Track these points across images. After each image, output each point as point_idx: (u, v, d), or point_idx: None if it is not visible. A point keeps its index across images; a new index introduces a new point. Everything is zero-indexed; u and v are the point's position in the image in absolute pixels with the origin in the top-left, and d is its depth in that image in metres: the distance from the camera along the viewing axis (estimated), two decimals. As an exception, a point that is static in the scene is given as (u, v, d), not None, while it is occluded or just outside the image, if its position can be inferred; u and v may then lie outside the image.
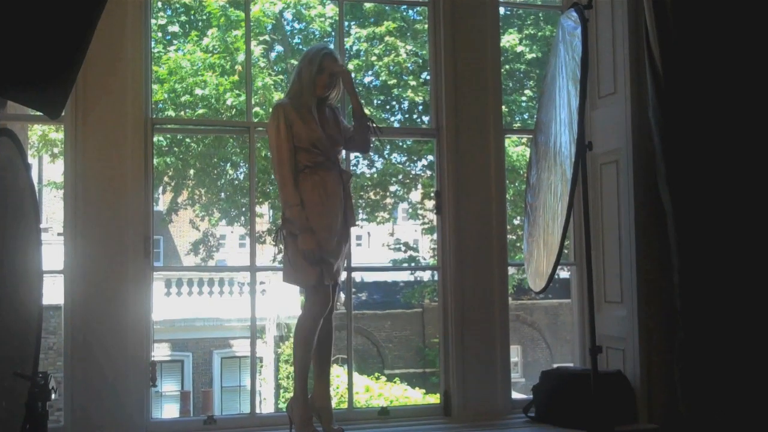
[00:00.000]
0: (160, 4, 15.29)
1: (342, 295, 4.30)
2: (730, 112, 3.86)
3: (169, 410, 17.42)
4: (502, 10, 4.86)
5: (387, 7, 16.15)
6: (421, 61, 15.93)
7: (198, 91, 14.46)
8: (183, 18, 15.86)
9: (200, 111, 14.49)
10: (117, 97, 3.90)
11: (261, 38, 15.22)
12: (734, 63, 3.88)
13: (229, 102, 14.41)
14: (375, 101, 16.59)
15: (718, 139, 3.86)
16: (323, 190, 3.72)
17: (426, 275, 20.44)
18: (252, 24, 14.36)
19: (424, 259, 20.34)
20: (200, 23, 15.79)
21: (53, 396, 2.87)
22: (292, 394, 3.82)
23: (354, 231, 4.06)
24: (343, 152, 4.07)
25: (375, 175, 17.58)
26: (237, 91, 14.53)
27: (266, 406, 16.97)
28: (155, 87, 14.12)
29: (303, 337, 3.72)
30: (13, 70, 2.62)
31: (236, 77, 14.65)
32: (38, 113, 3.39)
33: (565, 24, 3.93)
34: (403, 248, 19.36)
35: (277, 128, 3.71)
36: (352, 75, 3.99)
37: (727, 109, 3.87)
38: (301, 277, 3.73)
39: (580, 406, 3.85)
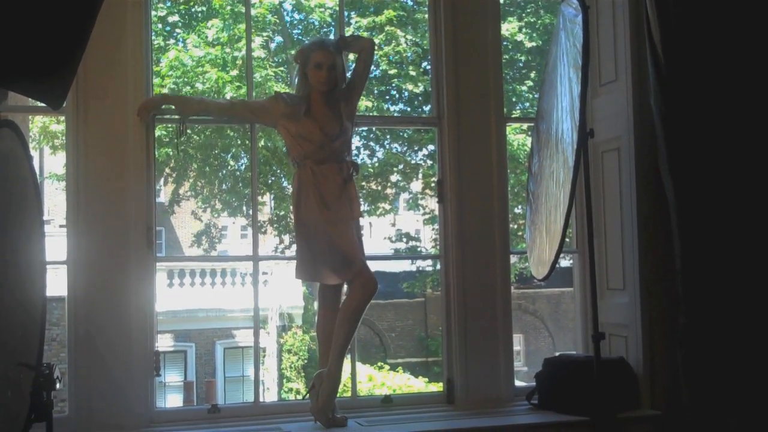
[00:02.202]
0: (159, -5, 15.28)
1: (345, 286, 4.30)
2: (732, 99, 3.86)
3: (173, 400, 17.46)
4: (502, -2, 4.84)
5: (387, -3, 16.13)
6: (421, 50, 15.89)
7: (198, 85, 14.45)
8: (182, 8, 15.84)
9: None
10: (118, 87, 3.89)
11: (264, 34, 15.20)
12: (736, 49, 3.87)
13: (229, 96, 14.40)
14: (375, 91, 16.56)
15: (719, 125, 3.86)
16: (312, 185, 3.79)
17: (428, 265, 20.45)
18: (255, 20, 14.34)
19: (426, 249, 20.34)
20: (200, 14, 15.76)
21: (58, 386, 2.88)
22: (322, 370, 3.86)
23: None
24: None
25: (376, 165, 17.58)
26: (237, 84, 14.51)
27: (269, 395, 17.01)
28: (156, 81, 14.11)
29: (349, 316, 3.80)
30: (15, 61, 2.62)
31: (236, 71, 14.62)
32: (40, 104, 3.39)
33: (565, 11, 3.93)
34: (404, 239, 19.36)
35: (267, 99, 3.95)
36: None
37: (729, 96, 3.86)
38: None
39: (583, 393, 3.86)
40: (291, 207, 3.97)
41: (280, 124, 3.88)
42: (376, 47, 4.14)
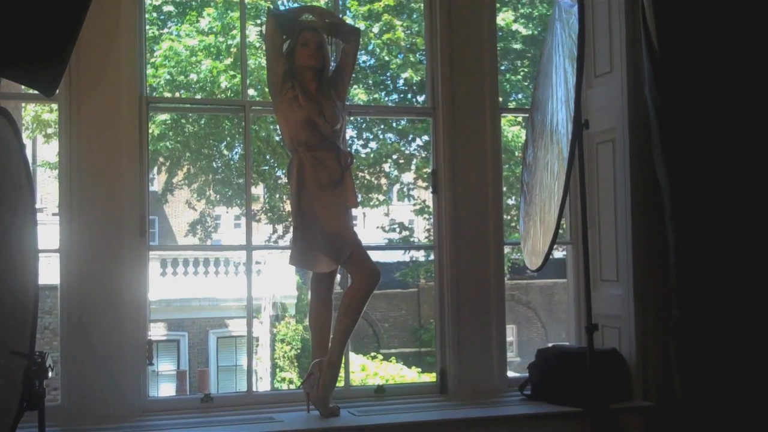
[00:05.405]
0: (154, -17, 15.20)
1: (338, 276, 4.30)
2: (727, 90, 3.85)
3: (166, 389, 17.48)
4: (498, -12, 4.82)
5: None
6: (417, 39, 15.84)
7: (193, 76, 14.40)
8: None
9: (195, 95, 14.45)
10: (111, 75, 3.86)
11: (258, 21, 15.14)
12: (731, 40, 3.86)
13: (223, 85, 14.34)
14: (369, 81, 16.51)
15: (714, 117, 3.86)
16: (311, 170, 3.77)
17: (421, 255, 20.47)
18: (248, 8, 14.29)
19: (419, 239, 20.34)
20: (194, 3, 15.69)
21: (50, 374, 2.87)
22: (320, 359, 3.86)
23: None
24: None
25: (371, 156, 17.54)
26: (232, 73, 14.45)
27: (262, 385, 17.03)
28: (150, 71, 14.05)
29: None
30: (8, 48, 2.61)
31: (231, 59, 14.56)
32: (32, 91, 3.38)
33: (561, 2, 3.92)
34: (398, 229, 19.36)
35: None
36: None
37: (723, 87, 3.86)
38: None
39: (575, 384, 3.87)
40: (289, 195, 3.93)
41: (283, 109, 3.84)
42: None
